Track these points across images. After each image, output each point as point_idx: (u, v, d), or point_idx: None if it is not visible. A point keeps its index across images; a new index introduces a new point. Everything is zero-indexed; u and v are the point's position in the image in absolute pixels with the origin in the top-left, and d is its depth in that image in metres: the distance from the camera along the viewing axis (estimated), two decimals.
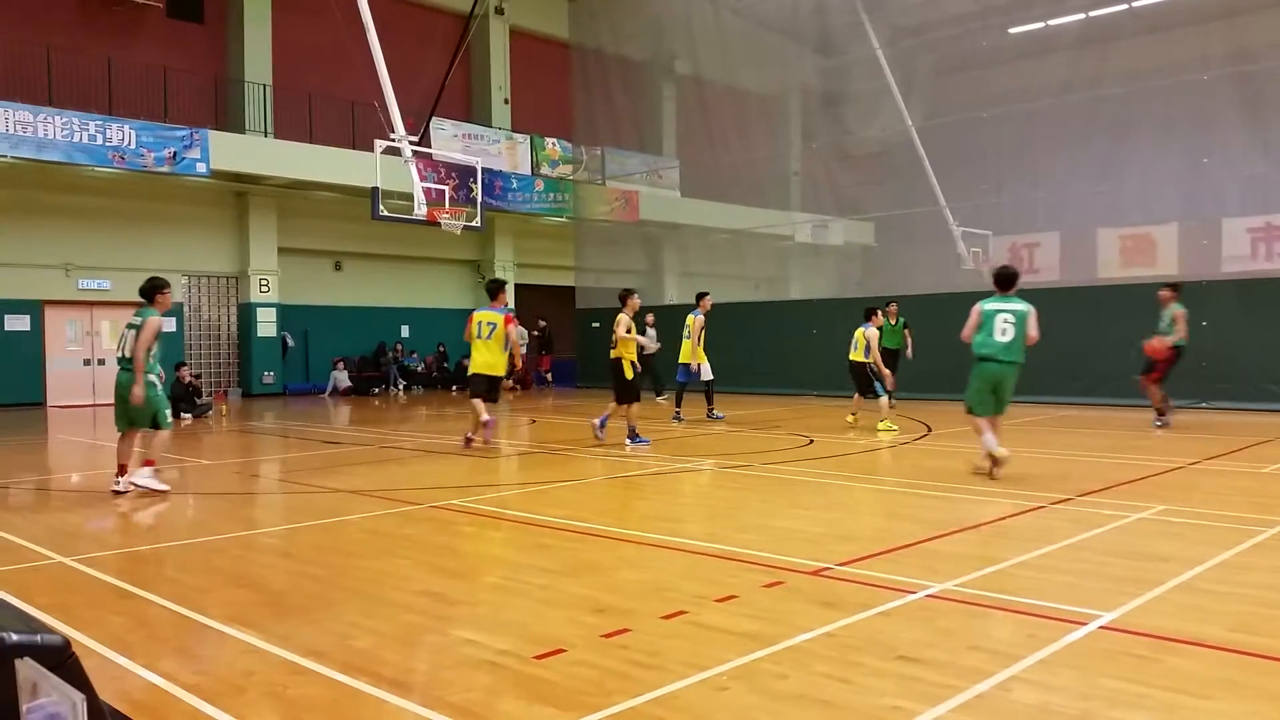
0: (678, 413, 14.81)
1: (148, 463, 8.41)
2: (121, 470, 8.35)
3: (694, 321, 14.77)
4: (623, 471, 9.62)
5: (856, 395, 13.44)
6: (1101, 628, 4.24)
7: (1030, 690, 3.53)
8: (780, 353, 21.38)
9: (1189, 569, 5.22)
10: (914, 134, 24.05)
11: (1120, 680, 3.61)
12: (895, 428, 12.75)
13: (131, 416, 8.42)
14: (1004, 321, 8.53)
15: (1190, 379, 15.99)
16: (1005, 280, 8.78)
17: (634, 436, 11.59)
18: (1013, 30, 25.25)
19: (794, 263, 29.43)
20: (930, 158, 23.91)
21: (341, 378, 23.40)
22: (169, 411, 8.58)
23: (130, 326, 8.40)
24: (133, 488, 8.28)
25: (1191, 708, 3.36)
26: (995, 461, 8.46)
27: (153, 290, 8.47)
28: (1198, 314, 15.75)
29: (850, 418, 13.45)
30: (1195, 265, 21.71)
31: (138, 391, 8.19)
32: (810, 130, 29.21)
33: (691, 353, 14.77)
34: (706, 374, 14.93)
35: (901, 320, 16.46)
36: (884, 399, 13.05)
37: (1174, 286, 13.15)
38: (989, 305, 8.69)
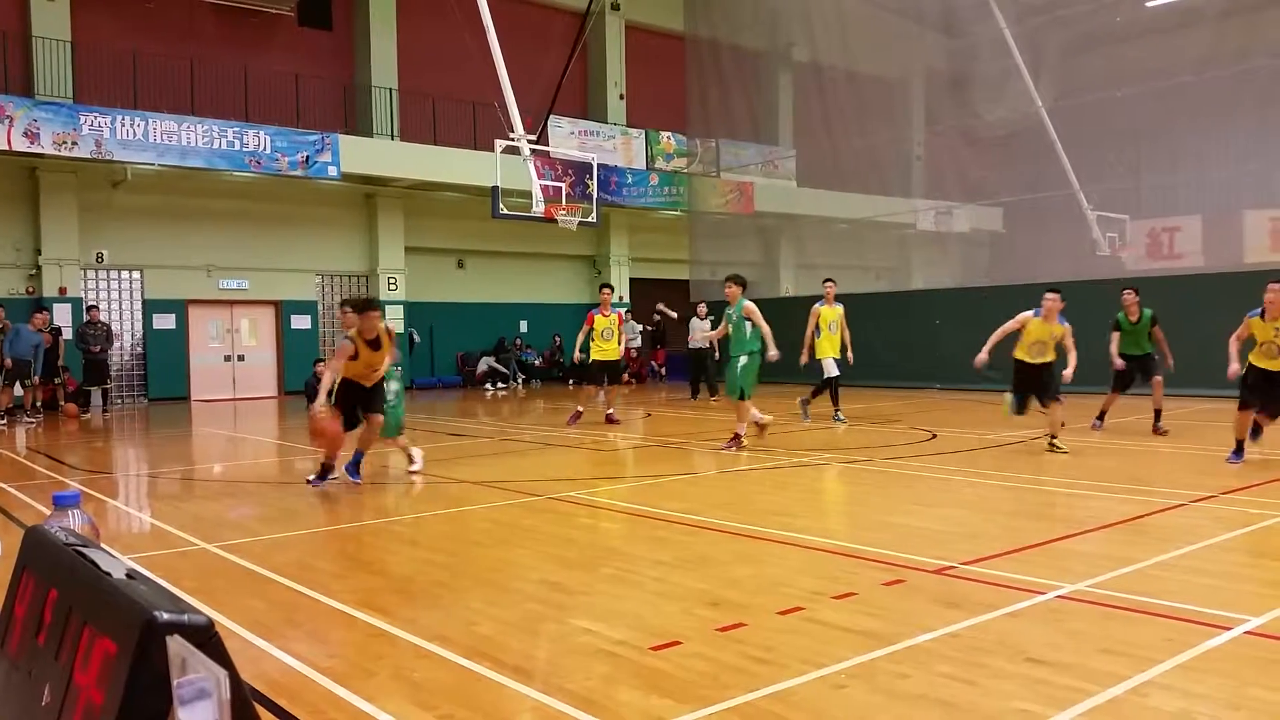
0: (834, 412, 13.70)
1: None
2: None
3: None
4: (737, 466, 9.59)
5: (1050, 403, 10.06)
6: (1247, 633, 4.00)
7: (1169, 696, 3.36)
8: (901, 345, 20.88)
9: None
10: (1044, 115, 23.12)
11: (1271, 690, 3.40)
12: (1065, 449, 9.84)
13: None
14: None
15: None
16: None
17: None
18: (1150, 3, 24.00)
19: (916, 252, 28.70)
20: (1062, 139, 22.93)
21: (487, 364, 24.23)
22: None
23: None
24: None
25: None
26: None
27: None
28: None
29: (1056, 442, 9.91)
30: None
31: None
32: (934, 114, 28.40)
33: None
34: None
35: (1147, 314, 11.70)
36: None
37: None
38: None
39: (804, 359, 13.52)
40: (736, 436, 10.72)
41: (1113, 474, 8.28)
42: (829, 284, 13.81)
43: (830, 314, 13.69)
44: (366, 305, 8.45)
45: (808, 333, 13.61)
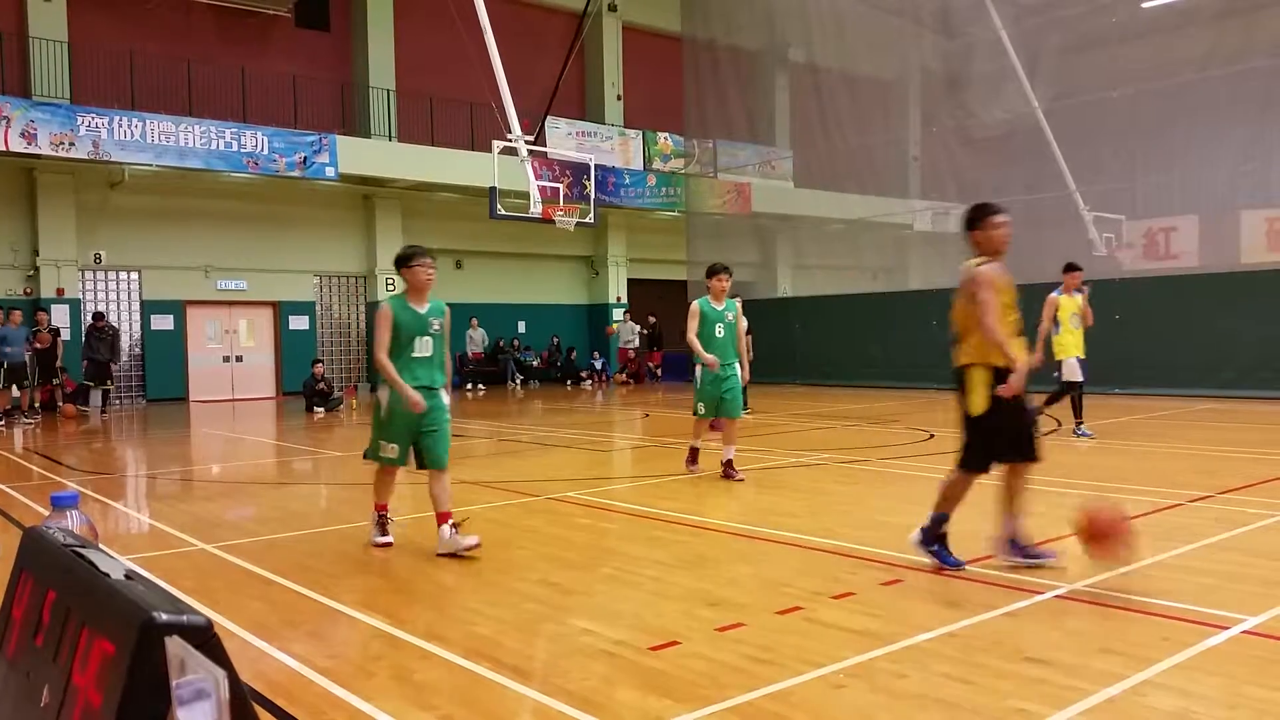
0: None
1: None
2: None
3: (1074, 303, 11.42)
4: (736, 466, 9.57)
5: None
6: (1245, 632, 4.01)
7: (1167, 696, 3.37)
8: (899, 345, 20.92)
9: None
10: (1040, 115, 23.15)
11: (1268, 689, 3.41)
12: None
13: None
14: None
15: None
16: None
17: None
18: (1146, 4, 24.03)
19: (913, 252, 28.73)
20: (1058, 140, 22.97)
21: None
22: None
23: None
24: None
25: None
26: None
27: None
28: None
29: None
30: None
31: None
32: (930, 115, 28.42)
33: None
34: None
35: None
36: None
37: None
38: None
39: (1039, 356, 10.26)
40: (695, 452, 9.07)
41: (1112, 474, 8.29)
42: (1076, 272, 11.42)
43: (1071, 304, 11.36)
44: (982, 211, 5.51)
45: (1044, 326, 11.26)
